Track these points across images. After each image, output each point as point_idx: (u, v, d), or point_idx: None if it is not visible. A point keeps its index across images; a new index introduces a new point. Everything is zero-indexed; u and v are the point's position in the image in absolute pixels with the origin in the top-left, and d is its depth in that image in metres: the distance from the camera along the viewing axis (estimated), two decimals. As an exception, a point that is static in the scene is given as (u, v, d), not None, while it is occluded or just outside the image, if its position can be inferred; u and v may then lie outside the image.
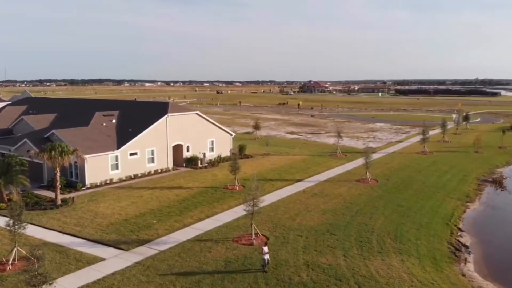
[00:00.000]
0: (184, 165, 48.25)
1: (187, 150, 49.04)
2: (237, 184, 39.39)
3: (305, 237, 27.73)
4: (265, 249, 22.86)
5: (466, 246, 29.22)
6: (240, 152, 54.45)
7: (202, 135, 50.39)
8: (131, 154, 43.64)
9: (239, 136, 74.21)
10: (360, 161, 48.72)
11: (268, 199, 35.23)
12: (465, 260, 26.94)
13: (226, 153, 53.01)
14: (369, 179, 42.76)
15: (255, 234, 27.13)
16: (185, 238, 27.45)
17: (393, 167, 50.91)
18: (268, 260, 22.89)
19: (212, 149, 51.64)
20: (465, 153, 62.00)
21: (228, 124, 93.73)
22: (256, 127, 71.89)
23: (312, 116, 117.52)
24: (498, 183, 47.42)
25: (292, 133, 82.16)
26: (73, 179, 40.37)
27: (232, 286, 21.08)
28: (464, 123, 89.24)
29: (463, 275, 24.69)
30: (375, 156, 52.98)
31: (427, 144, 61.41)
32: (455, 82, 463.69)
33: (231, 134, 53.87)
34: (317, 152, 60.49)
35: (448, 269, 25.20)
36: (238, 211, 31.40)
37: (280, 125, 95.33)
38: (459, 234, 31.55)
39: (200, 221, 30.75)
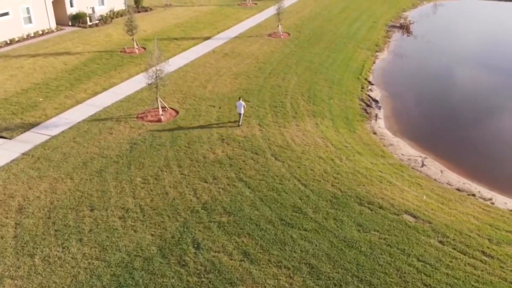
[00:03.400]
0: (70, 24, 41.21)
1: (71, 5, 41.39)
2: (136, 46, 34.64)
3: (218, 106, 25.66)
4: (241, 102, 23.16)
5: (376, 101, 29.44)
6: (136, 4, 47.63)
7: (87, -15, 42.33)
8: (2, 15, 35.77)
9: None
10: (271, 11, 45.12)
11: (174, 63, 31.66)
12: (376, 116, 27.22)
13: (120, 6, 46.01)
14: (281, 33, 40.15)
15: (162, 108, 24.41)
16: (80, 118, 23.97)
17: (304, 16, 48.35)
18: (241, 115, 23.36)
19: (102, 2, 44.23)
20: (373, -4, 60.60)
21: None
22: (153, -29, 62.32)
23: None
24: (405, 28, 47.60)
25: (195, -23, 73.59)
26: None
27: (140, 172, 19.04)
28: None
29: (374, 133, 25.01)
30: (286, 3, 49.47)
31: (338, -12, 58.62)
32: None
33: (123, -17, 46.06)
34: (225, 1, 55.20)
35: (360, 128, 25.30)
36: (140, 80, 27.77)
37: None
38: (369, 88, 31.60)
39: (96, 95, 26.91)
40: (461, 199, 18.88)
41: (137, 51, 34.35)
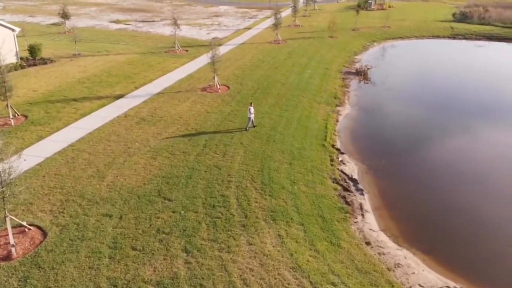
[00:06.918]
0: None
1: None
2: (12, 115, 24.46)
3: (118, 216, 16.00)
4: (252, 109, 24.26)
5: (354, 181, 21.13)
6: (32, 55, 37.51)
7: (-42, 32, 31.88)
8: None
9: (42, 30, 54.87)
10: (205, 59, 36.67)
11: (61, 139, 21.88)
12: (361, 208, 18.71)
13: (11, 58, 35.60)
14: (218, 86, 31.64)
15: (17, 228, 14.37)
16: None
17: (245, 64, 40.40)
18: (253, 120, 24.50)
19: (-19, 55, 33.69)
20: (319, 38, 54.67)
21: (32, 12, 71.08)
22: (64, 15, 52.41)
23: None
24: (363, 74, 40.98)
25: (117, 21, 64.61)
26: None
27: None
28: (312, 2, 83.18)
29: (368, 242, 16.36)
30: (222, 49, 41.52)
31: (279, 31, 51.94)
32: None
33: (13, 30, 35.87)
34: (149, 48, 46.35)
35: (346, 235, 16.54)
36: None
37: (103, 12, 75.58)
38: (340, 159, 23.36)
39: None
40: None
41: (12, 122, 24.12)
